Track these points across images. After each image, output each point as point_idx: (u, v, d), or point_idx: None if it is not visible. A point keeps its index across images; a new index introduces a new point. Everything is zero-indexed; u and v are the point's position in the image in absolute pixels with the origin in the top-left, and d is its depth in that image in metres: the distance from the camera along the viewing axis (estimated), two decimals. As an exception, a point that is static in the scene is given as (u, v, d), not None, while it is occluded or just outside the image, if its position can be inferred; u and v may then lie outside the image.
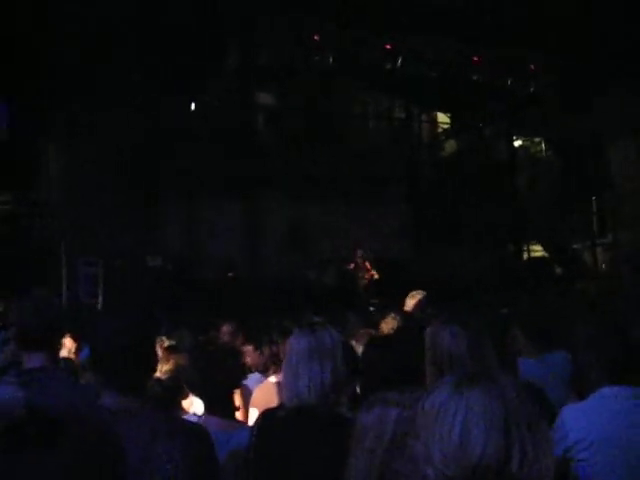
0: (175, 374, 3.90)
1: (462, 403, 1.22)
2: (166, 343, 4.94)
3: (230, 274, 14.26)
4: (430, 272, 13.53)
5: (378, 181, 16.62)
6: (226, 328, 6.18)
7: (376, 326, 4.67)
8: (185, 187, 15.02)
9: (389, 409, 1.68)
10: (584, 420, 2.39)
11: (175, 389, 3.61)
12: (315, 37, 13.03)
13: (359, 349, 5.68)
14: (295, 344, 2.45)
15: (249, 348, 5.87)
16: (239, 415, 3.38)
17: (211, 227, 15.23)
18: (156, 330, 4.94)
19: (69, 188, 11.96)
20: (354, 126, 17.51)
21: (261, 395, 3.80)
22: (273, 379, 3.82)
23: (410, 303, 4.83)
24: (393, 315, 3.78)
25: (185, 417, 3.07)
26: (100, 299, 11.21)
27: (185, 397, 3.72)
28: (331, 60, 13.49)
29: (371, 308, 11.56)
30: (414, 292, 4.97)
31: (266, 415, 2.51)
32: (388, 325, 3.80)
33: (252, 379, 4.68)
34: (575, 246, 16.24)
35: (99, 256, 11.47)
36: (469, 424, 1.21)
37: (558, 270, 15.68)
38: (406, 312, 4.51)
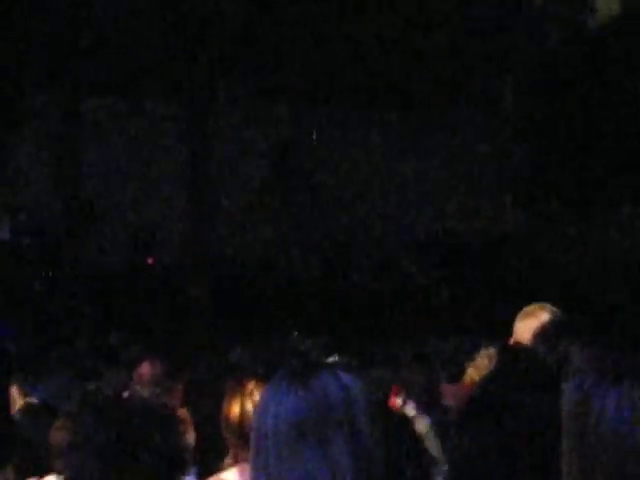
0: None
1: None
2: (20, 402, 5.05)
3: (150, 258, 14.43)
4: (555, 258, 13.68)
5: (447, 77, 16.71)
6: (147, 369, 6.23)
7: (454, 364, 4.61)
8: (57, 88, 15.12)
9: None
10: None
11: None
12: None
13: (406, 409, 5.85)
14: (272, 411, 2.41)
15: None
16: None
17: (111, 167, 15.39)
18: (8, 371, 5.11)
19: None
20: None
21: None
22: (232, 476, 3.89)
23: (524, 328, 4.85)
24: (491, 351, 3.75)
25: None
26: None
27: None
28: None
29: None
30: (532, 307, 4.99)
31: None
32: (480, 370, 3.77)
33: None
34: None
35: None
36: None
37: None
38: (516, 345, 4.53)
